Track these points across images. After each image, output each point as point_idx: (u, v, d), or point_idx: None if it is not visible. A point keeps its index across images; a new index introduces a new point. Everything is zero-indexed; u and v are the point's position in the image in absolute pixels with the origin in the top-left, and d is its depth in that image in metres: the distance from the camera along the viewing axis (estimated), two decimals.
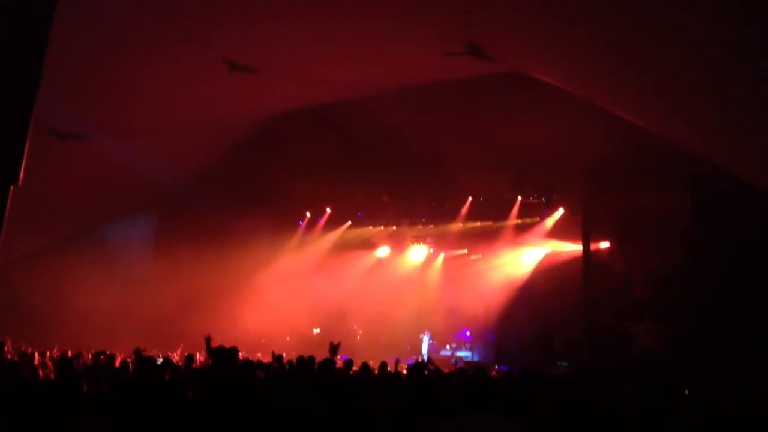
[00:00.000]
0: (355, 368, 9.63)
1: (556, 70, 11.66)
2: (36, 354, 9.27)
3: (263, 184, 19.30)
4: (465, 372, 8.47)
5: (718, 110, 8.28)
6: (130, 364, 8.81)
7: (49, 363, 9.62)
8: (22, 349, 11.26)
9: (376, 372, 9.04)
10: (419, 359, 15.20)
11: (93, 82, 12.18)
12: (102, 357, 9.86)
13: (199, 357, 12.02)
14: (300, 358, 9.15)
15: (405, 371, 9.26)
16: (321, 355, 9.15)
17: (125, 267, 19.56)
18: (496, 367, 14.65)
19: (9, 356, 9.24)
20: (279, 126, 18.19)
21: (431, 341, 19.22)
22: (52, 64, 4.57)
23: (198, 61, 12.22)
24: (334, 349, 9.17)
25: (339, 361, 9.70)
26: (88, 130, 13.69)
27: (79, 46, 10.32)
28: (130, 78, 12.49)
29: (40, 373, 7.89)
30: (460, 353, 19.05)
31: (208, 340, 8.34)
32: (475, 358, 18.47)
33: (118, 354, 10.54)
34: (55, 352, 10.94)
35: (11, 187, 4.01)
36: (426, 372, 8.11)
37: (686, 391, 8.06)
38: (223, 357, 7.95)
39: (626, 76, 9.48)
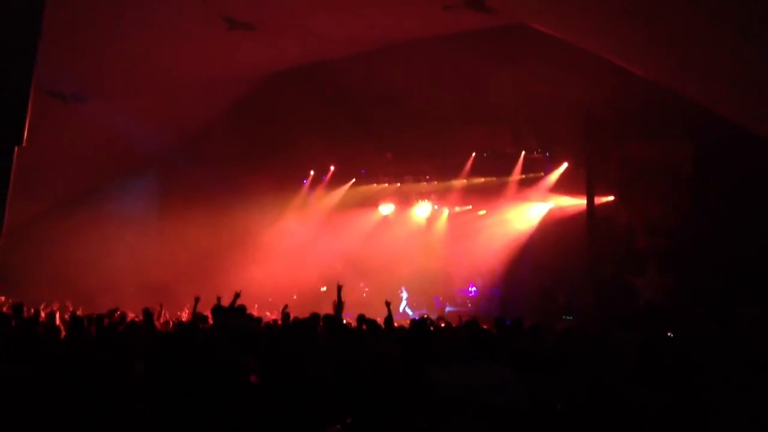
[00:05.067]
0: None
1: (556, 19, 11.51)
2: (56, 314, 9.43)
3: (266, 142, 19.29)
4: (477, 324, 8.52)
5: (719, 57, 8.22)
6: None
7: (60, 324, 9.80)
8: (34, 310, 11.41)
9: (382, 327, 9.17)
10: (425, 315, 15.40)
11: (91, 42, 12.11)
12: (116, 315, 10.05)
13: (185, 314, 12.27)
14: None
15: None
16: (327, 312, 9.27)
17: (130, 227, 19.64)
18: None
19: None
20: (279, 84, 18.08)
21: (437, 298, 19.42)
22: (50, 25, 4.56)
23: (197, 18, 12.12)
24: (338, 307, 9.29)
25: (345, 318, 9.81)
26: (87, 91, 13.66)
27: (76, 6, 10.24)
28: (129, 37, 12.40)
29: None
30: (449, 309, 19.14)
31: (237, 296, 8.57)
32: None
33: (129, 313, 10.74)
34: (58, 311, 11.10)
35: (16, 148, 4.04)
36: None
37: (689, 342, 8.17)
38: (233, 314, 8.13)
39: (627, 24, 9.39)
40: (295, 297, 19.64)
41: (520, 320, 8.84)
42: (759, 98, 8.67)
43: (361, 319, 8.83)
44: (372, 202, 21.56)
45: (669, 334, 8.91)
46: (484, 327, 8.74)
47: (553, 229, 17.75)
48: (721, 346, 6.00)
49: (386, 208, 21.50)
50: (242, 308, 8.80)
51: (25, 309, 9.49)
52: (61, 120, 14.08)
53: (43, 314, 9.82)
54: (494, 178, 19.24)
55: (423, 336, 7.32)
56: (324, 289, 19.64)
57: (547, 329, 10.20)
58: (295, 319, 9.08)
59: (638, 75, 11.67)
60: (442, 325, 10.78)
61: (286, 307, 9.94)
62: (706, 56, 8.43)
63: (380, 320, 9.57)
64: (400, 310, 18.64)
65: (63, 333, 8.04)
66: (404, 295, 19.52)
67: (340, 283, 9.38)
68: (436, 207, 20.92)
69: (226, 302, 9.01)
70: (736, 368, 5.42)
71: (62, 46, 10.84)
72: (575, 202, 17.51)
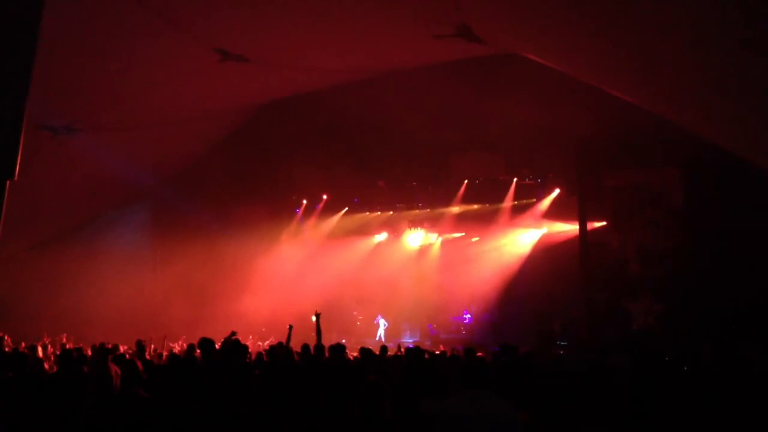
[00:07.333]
0: (354, 353, 9.75)
1: (547, 49, 11.61)
2: (38, 347, 9.32)
3: (258, 172, 19.32)
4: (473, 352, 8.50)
5: (709, 87, 8.30)
6: (127, 355, 8.86)
7: (51, 356, 9.72)
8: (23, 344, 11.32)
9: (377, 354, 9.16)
10: (416, 342, 15.36)
11: (83, 74, 12.12)
12: (107, 348, 9.95)
13: (177, 347, 12.15)
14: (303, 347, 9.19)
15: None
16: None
17: (123, 258, 19.55)
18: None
19: (7, 350, 9.27)
20: (271, 114, 18.15)
21: (431, 325, 19.38)
22: (42, 57, 4.58)
23: (189, 51, 12.16)
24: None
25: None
26: (79, 124, 13.64)
27: (68, 38, 10.28)
28: (121, 71, 12.42)
29: (46, 365, 7.96)
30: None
31: (290, 328, 8.46)
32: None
33: (120, 346, 10.64)
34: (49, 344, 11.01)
35: (7, 182, 4.03)
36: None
37: (684, 367, 8.17)
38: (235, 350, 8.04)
39: (617, 54, 9.47)
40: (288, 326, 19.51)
41: (516, 348, 8.82)
42: (749, 126, 8.74)
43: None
44: (365, 230, 21.57)
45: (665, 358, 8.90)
46: (479, 354, 8.72)
47: (546, 254, 17.78)
48: (715, 373, 5.99)
49: (379, 236, 21.51)
50: (236, 341, 8.73)
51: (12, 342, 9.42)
52: (53, 154, 14.04)
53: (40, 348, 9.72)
54: (487, 205, 19.30)
55: (420, 366, 7.29)
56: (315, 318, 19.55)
57: (542, 355, 10.18)
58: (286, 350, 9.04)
59: (629, 102, 11.77)
60: (437, 352, 10.78)
61: (290, 328, 9.90)
62: (697, 85, 8.52)
63: (374, 347, 9.57)
64: (377, 338, 18.92)
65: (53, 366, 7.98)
66: (382, 322, 19.65)
67: (318, 311, 9.39)
68: (429, 234, 20.93)
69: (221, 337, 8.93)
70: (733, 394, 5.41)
71: (54, 80, 10.87)
72: (567, 228, 17.57)
